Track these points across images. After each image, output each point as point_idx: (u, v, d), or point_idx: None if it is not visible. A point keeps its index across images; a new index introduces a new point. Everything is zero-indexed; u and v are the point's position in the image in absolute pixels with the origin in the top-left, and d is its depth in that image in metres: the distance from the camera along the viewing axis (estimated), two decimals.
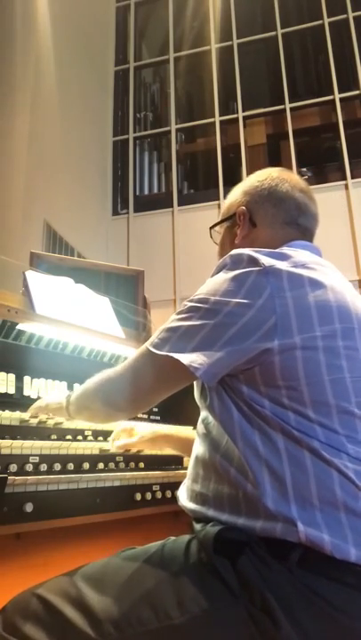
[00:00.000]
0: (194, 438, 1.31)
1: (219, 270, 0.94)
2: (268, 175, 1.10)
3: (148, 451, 1.46)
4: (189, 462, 1.02)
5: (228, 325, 0.86)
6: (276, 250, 0.95)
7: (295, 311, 0.85)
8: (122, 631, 0.78)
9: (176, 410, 1.80)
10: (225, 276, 0.90)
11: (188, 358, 0.86)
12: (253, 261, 0.89)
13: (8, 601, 0.91)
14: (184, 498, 0.99)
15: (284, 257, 0.91)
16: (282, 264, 0.89)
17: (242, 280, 0.88)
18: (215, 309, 0.88)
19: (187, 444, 1.33)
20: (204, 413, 0.98)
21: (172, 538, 0.94)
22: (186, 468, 1.13)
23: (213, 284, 0.92)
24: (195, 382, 1.00)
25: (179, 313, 0.94)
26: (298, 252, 0.95)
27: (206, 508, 0.91)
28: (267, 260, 0.89)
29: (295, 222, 1.06)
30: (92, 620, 0.80)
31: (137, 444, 1.37)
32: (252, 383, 0.87)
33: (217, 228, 1.17)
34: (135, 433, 1.39)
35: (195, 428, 1.03)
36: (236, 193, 1.13)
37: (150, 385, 0.98)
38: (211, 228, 1.19)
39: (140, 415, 1.80)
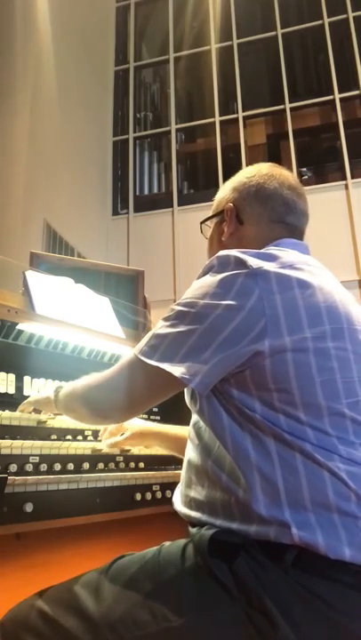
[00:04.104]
0: (185, 436, 1.30)
1: (205, 272, 0.91)
2: (257, 172, 1.07)
3: (148, 451, 1.46)
4: (182, 467, 1.01)
5: (217, 331, 0.84)
6: (263, 250, 0.93)
7: (284, 313, 0.84)
8: (119, 635, 0.79)
9: (176, 410, 1.80)
10: (212, 278, 0.88)
11: (178, 370, 0.84)
12: (241, 263, 0.87)
13: (6, 613, 0.91)
14: (178, 502, 0.98)
15: (271, 258, 0.89)
16: (270, 265, 0.87)
17: (230, 283, 0.86)
18: (204, 313, 0.85)
19: (177, 443, 1.31)
20: (195, 417, 0.96)
21: (167, 543, 0.93)
22: None
23: (200, 286, 0.89)
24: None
25: (167, 319, 0.90)
26: (285, 252, 0.93)
27: (200, 514, 0.90)
28: (254, 262, 0.87)
29: (283, 220, 1.03)
30: (90, 626, 0.81)
31: (126, 441, 1.34)
32: (242, 387, 0.85)
33: (208, 223, 1.15)
34: (125, 428, 1.36)
35: None
36: (226, 189, 1.11)
37: (139, 394, 0.95)
38: (201, 222, 1.16)
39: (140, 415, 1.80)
